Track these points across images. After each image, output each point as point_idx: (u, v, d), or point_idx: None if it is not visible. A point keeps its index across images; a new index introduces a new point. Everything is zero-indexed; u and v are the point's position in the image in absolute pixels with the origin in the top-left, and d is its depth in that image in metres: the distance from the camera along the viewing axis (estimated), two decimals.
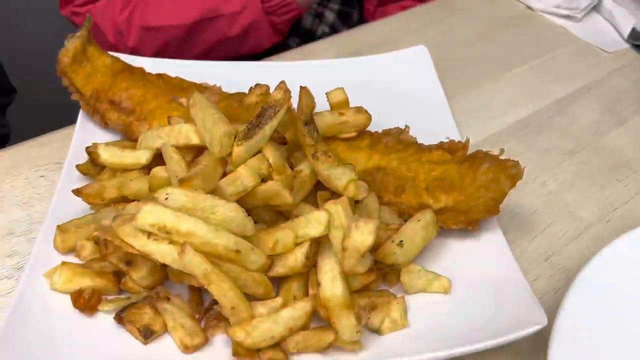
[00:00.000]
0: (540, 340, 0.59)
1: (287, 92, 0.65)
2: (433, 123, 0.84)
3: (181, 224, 0.57)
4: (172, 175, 0.64)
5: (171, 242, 0.58)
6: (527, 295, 0.61)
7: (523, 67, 1.07)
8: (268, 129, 0.65)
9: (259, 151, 0.66)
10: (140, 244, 0.58)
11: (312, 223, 0.61)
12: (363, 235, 0.59)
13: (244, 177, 0.63)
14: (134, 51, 1.15)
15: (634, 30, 1.15)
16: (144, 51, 1.17)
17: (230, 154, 0.65)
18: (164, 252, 0.58)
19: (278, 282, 0.64)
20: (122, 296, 0.63)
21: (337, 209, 0.61)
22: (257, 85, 0.71)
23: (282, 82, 0.66)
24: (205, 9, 1.13)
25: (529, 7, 1.23)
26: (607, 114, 0.97)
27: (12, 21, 1.87)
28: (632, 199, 0.83)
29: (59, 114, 0.99)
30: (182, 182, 0.61)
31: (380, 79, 0.93)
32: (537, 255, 0.74)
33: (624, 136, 0.93)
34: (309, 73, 0.77)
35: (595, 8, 1.22)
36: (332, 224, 0.61)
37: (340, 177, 0.64)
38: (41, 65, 0.93)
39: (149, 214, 0.57)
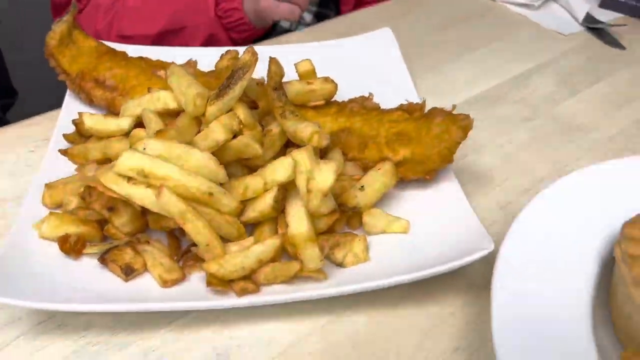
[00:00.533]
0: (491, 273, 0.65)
1: (254, 54, 0.72)
2: (395, 93, 0.90)
3: (158, 168, 0.63)
4: (150, 134, 0.70)
5: (149, 185, 0.63)
6: (477, 227, 0.67)
7: (482, 50, 1.14)
8: (238, 88, 0.71)
9: (231, 110, 0.72)
10: (121, 188, 0.63)
11: (278, 169, 0.67)
12: (325, 175, 0.64)
13: (216, 132, 0.69)
14: None
15: (588, 14, 1.23)
16: None
17: (204, 114, 0.72)
18: (142, 195, 0.63)
19: (251, 229, 0.70)
20: (106, 242, 0.68)
21: (302, 155, 0.67)
22: (227, 51, 0.77)
23: (250, 47, 0.72)
24: (171, 20, 1.20)
25: None
26: (561, 86, 1.04)
27: (15, 25, 1.94)
28: (583, 156, 0.89)
29: None
30: (158, 134, 0.66)
31: (347, 58, 1.00)
32: (493, 204, 0.80)
33: (576, 105, 1.00)
34: (280, 55, 0.84)
35: None
36: (297, 170, 0.67)
37: (304, 129, 0.70)
38: (43, 69, 0.98)
39: (128, 160, 0.63)
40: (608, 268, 0.63)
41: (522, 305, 0.57)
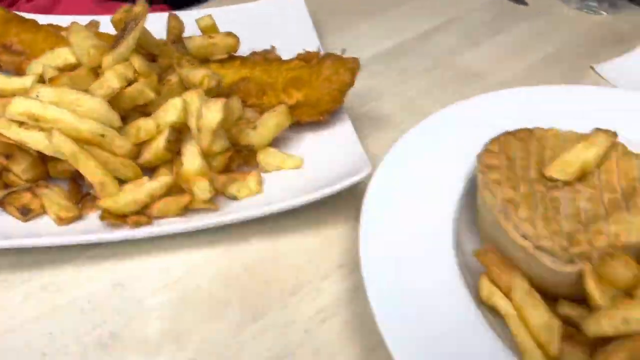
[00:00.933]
0: None
1: (145, 6, 0.75)
2: (300, 48, 0.94)
3: (48, 112, 0.65)
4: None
5: (42, 129, 0.66)
6: (359, 154, 0.72)
7: (393, 10, 1.20)
8: (131, 38, 0.74)
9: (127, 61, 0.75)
10: (13, 133, 0.66)
11: (169, 111, 0.70)
12: (213, 113, 0.68)
13: (110, 79, 0.71)
14: None
15: None
16: None
17: (100, 66, 0.74)
18: (35, 139, 0.66)
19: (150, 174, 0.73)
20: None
21: (192, 96, 0.70)
22: (121, 6, 0.80)
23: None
24: None
25: None
26: (463, 40, 1.10)
27: None
28: None
29: None
30: (51, 80, 0.69)
31: (255, 20, 1.04)
32: (388, 145, 0.85)
33: (476, 55, 1.06)
34: (185, 17, 0.87)
35: None
36: (188, 111, 0.70)
37: (196, 74, 0.74)
38: None
39: (19, 104, 0.65)
40: (472, 193, 0.68)
41: (388, 226, 0.61)
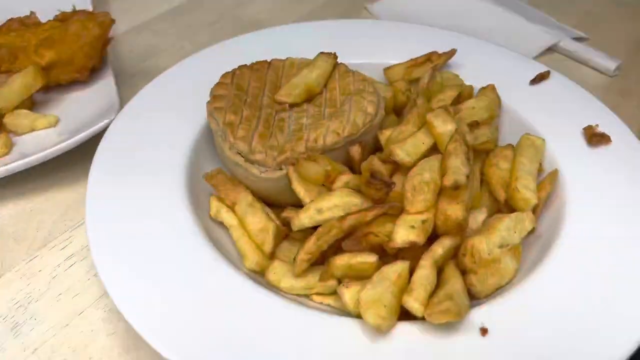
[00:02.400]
0: None
1: None
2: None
3: None
4: None
5: None
6: (113, 101, 0.73)
7: None
8: None
9: None
10: None
11: None
12: None
13: None
14: None
15: None
16: None
17: None
18: None
19: None
20: None
21: None
22: None
23: None
24: None
25: None
26: None
27: None
28: None
29: None
30: None
31: None
32: None
33: (259, 5, 1.10)
34: None
35: None
36: None
37: None
38: None
39: None
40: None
41: (119, 172, 0.62)
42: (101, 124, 0.69)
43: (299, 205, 0.61)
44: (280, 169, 0.59)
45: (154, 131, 0.67)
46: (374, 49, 0.83)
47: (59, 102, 0.79)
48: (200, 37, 1.01)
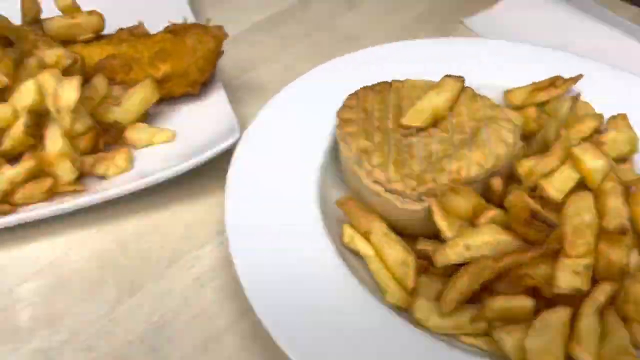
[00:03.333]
0: None
1: None
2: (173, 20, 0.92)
3: None
4: None
5: None
6: (231, 122, 0.72)
7: None
8: None
9: None
10: None
11: (24, 93, 0.68)
12: (68, 92, 0.66)
13: None
14: None
15: None
16: None
17: None
18: None
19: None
20: None
21: (46, 77, 0.68)
22: None
23: None
24: None
25: None
26: (341, 3, 1.12)
27: None
28: None
29: None
30: None
31: None
32: None
33: (353, 18, 1.08)
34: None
35: None
36: (45, 92, 0.68)
37: (51, 55, 0.71)
38: None
39: None
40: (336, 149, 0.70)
41: (254, 188, 0.63)
42: (223, 146, 0.68)
43: (431, 236, 0.59)
44: (421, 199, 0.58)
45: (281, 157, 0.67)
46: (486, 70, 0.80)
47: (172, 115, 0.79)
48: (297, 49, 1.00)
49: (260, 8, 1.10)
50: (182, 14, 0.98)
